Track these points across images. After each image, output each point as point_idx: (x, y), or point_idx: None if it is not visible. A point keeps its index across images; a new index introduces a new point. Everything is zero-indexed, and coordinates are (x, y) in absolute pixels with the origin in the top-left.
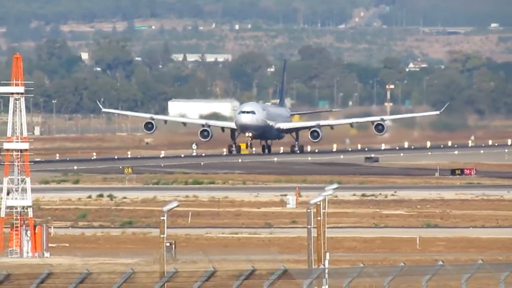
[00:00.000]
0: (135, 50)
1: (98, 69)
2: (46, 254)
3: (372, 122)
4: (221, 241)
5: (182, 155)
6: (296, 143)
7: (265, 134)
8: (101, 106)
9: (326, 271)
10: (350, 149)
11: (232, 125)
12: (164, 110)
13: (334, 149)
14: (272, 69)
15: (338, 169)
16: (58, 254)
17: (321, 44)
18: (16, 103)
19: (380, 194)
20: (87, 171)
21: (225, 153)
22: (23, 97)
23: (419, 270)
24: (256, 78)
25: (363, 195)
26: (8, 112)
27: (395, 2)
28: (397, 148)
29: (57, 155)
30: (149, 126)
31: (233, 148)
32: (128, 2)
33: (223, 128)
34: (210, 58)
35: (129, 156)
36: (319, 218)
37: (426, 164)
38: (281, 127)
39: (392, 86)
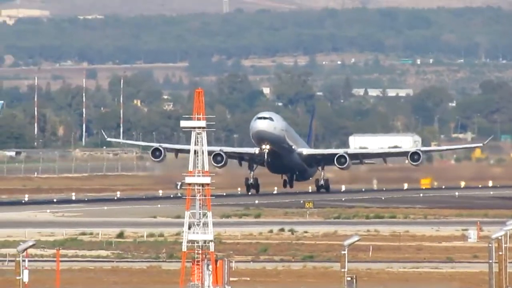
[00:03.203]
0: (317, 85)
1: (280, 103)
2: None
3: (407, 152)
4: (402, 275)
5: (363, 189)
6: (322, 173)
7: (284, 156)
8: (104, 135)
9: None
10: None
11: (250, 150)
12: (345, 145)
13: None
14: (454, 104)
15: None
16: None
17: (502, 78)
18: (197, 137)
19: None
20: (268, 206)
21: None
22: (205, 131)
23: None
24: (437, 112)
25: None
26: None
27: None
28: None
29: (239, 189)
30: (156, 153)
31: (251, 181)
32: (310, 37)
33: (240, 162)
34: (391, 92)
35: (309, 190)
36: (500, 253)
37: None
38: (304, 152)
39: None
